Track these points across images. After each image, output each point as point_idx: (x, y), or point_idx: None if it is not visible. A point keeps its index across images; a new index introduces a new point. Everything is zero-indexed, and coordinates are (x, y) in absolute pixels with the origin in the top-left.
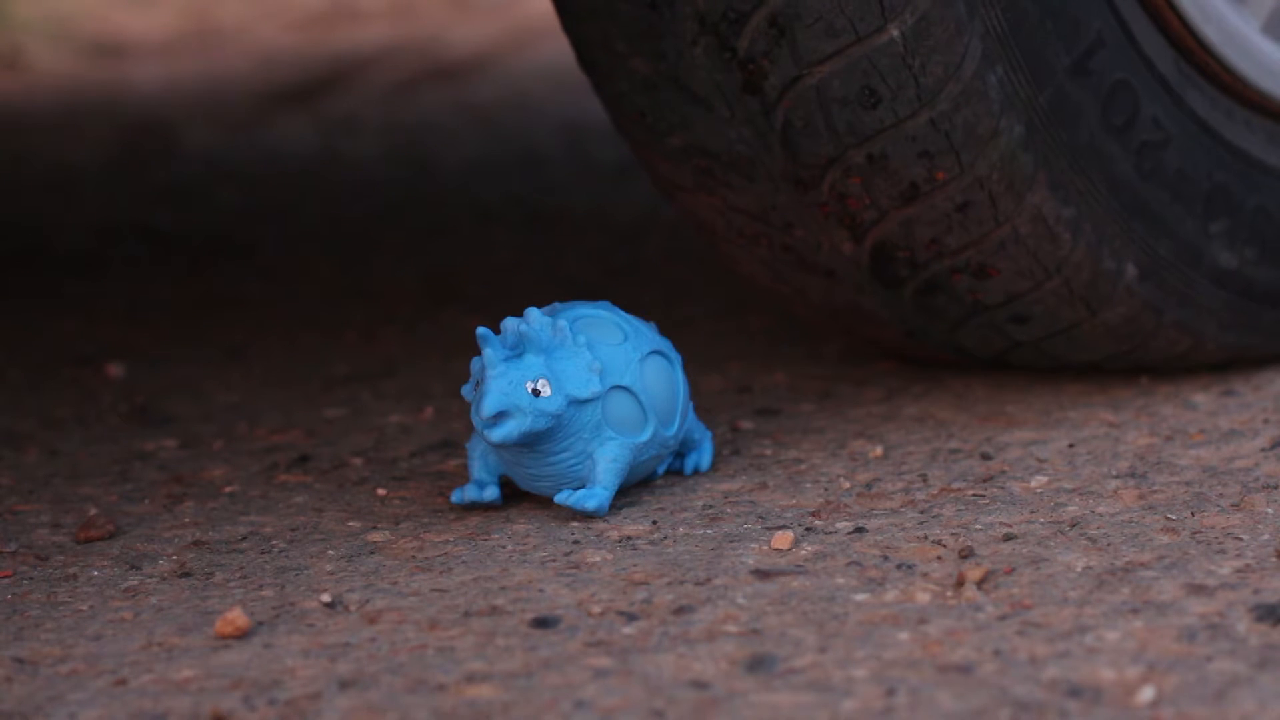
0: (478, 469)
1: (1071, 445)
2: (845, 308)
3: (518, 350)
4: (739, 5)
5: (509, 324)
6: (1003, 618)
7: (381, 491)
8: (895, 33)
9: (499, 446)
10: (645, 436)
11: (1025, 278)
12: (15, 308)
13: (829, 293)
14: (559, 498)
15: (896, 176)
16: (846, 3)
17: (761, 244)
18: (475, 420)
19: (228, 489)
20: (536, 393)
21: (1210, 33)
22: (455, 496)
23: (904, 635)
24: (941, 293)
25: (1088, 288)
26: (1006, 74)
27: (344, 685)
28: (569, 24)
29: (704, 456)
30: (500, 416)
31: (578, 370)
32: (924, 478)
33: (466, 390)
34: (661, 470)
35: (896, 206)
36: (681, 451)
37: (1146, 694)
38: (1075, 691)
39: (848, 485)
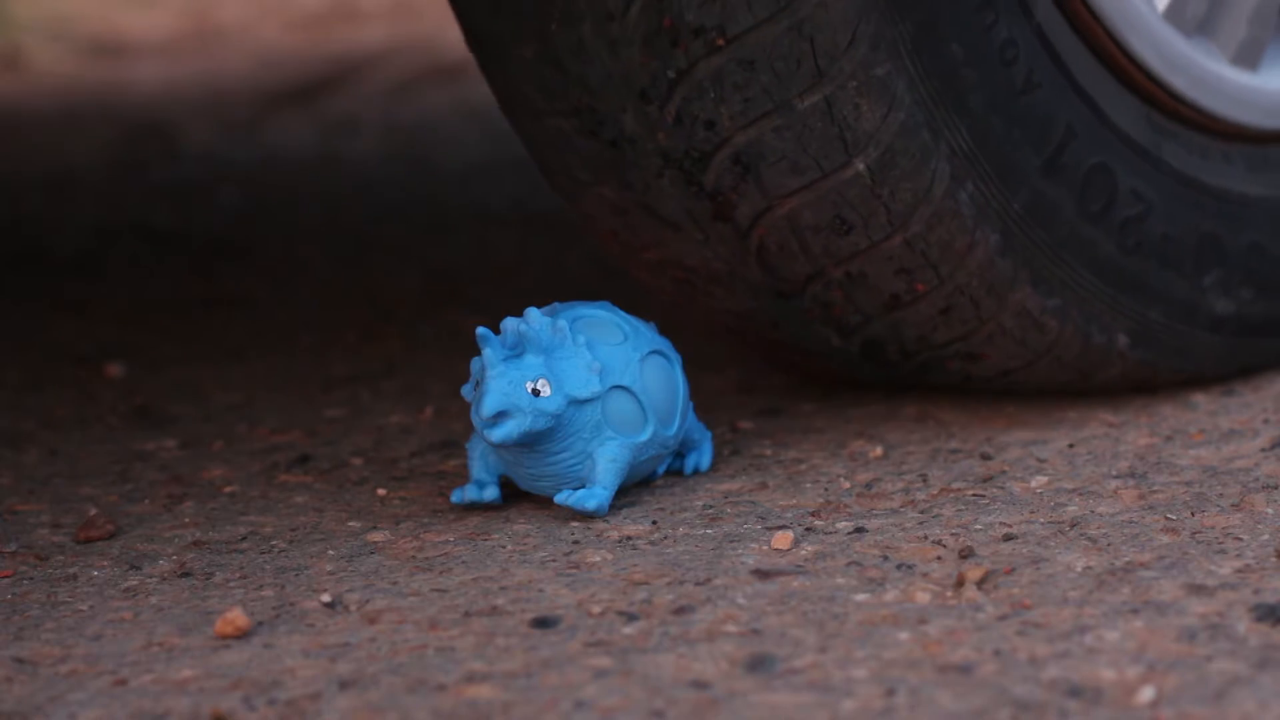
0: (477, 469)
1: (1071, 445)
2: (844, 376)
3: (517, 350)
4: (701, 145)
5: (509, 324)
6: (1003, 618)
7: (381, 491)
8: (861, 166)
9: (499, 446)
10: (645, 436)
11: (1016, 359)
12: (15, 308)
13: (825, 368)
14: (559, 498)
15: (877, 290)
16: (809, 142)
17: (750, 335)
18: (475, 420)
19: (228, 489)
20: (536, 392)
21: (1179, 83)
22: (455, 497)
23: (904, 635)
24: (936, 371)
25: (1079, 359)
26: (978, 188)
27: (344, 685)
28: (531, 150)
29: (704, 457)
30: (500, 416)
31: (577, 370)
32: (924, 478)
33: (466, 390)
34: (661, 470)
35: (880, 313)
36: (681, 452)
37: (1146, 694)
38: (1075, 691)
39: (848, 485)
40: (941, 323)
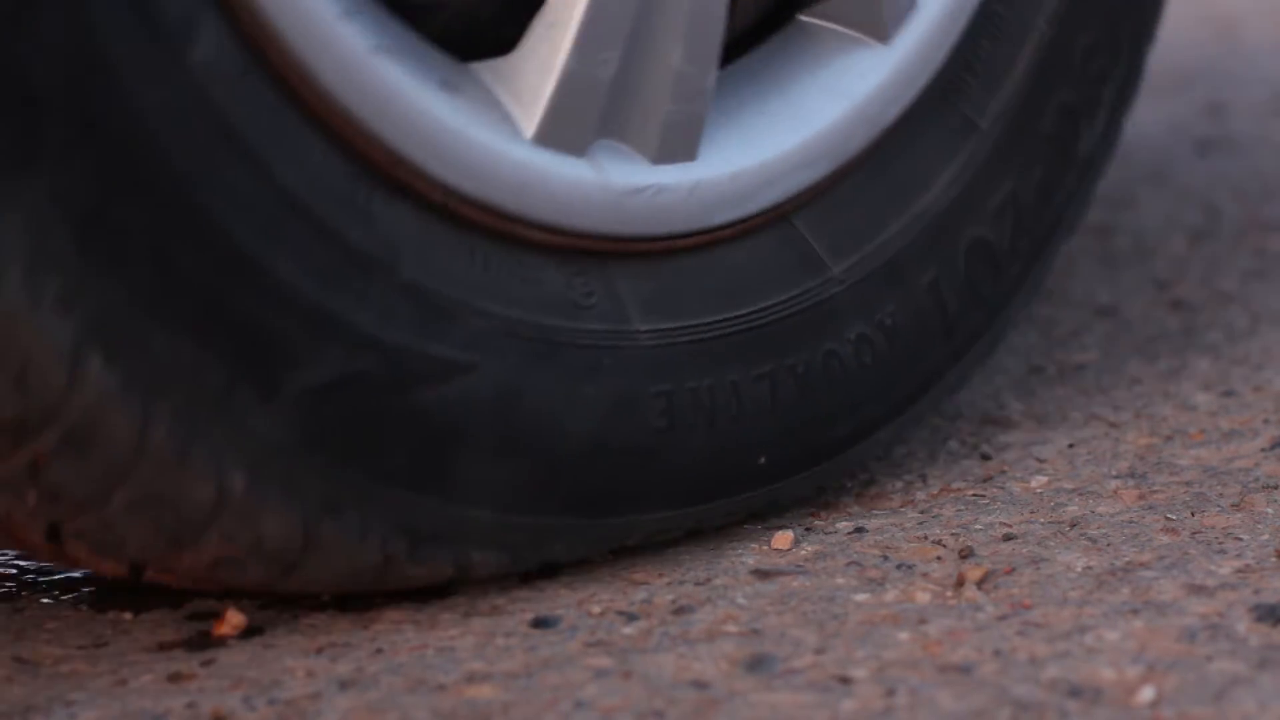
0: None
1: (1071, 445)
2: None
3: None
4: None
5: None
6: (1003, 618)
7: None
8: None
9: None
10: None
11: None
12: None
13: None
14: None
15: None
16: None
17: None
18: None
19: None
20: None
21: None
22: None
23: (904, 635)
24: None
25: None
26: None
27: (344, 685)
28: None
29: None
30: None
31: None
32: (924, 478)
33: None
34: None
35: None
36: None
37: (1146, 694)
38: (1075, 691)
39: (848, 485)
40: None
